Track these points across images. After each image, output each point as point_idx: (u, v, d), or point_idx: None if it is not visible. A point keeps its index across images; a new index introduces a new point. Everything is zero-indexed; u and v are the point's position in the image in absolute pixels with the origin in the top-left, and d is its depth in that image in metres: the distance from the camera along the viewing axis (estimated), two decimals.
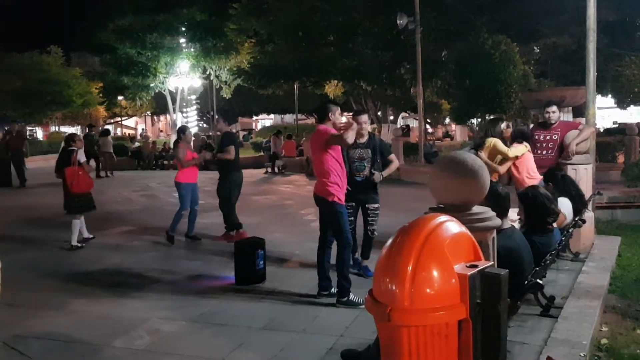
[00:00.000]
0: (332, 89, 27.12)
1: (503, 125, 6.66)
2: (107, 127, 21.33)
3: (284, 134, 24.29)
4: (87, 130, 20.11)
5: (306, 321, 4.64)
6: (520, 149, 6.40)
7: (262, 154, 27.04)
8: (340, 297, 5.00)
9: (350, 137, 4.91)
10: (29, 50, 30.96)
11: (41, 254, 7.47)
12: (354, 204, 5.84)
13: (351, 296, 4.99)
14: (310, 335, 4.36)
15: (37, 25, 35.41)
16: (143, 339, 4.35)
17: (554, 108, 6.90)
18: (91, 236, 8.21)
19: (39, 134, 48.38)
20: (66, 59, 34.04)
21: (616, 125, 27.09)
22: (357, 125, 5.21)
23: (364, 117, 5.99)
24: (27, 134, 44.29)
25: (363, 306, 4.82)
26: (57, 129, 46.73)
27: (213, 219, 8.57)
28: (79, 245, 7.73)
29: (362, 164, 5.88)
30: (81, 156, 8.45)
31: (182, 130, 8.60)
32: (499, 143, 6.37)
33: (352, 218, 5.83)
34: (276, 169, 19.70)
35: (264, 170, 19.82)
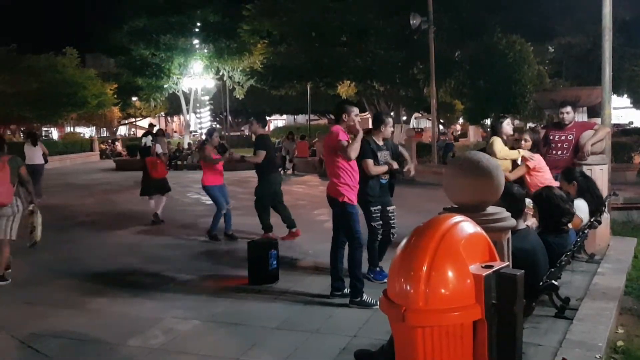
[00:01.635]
0: (345, 89, 27.09)
1: (505, 122, 6.56)
2: (157, 127, 21.22)
3: (297, 134, 24.37)
4: (145, 130, 20.40)
5: (320, 321, 4.64)
6: (512, 154, 6.26)
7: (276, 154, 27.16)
8: (354, 297, 4.99)
9: (352, 154, 4.92)
10: (44, 52, 31.27)
11: (58, 253, 7.55)
12: (380, 207, 5.82)
13: (364, 296, 4.98)
14: (324, 335, 4.37)
15: (52, 26, 35.76)
16: (158, 338, 4.38)
17: (569, 109, 6.84)
18: (162, 220, 9.54)
19: (54, 134, 48.91)
20: (81, 60, 34.37)
21: (628, 125, 26.75)
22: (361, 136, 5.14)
23: (391, 120, 5.99)
24: (43, 134, 44.86)
25: (377, 307, 4.82)
26: (72, 130, 47.22)
27: (244, 219, 8.65)
28: (154, 220, 9.37)
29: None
30: (159, 148, 10.57)
31: (210, 133, 8.76)
32: (495, 142, 6.32)
33: (381, 222, 5.81)
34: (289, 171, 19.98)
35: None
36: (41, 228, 6.64)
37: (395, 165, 5.83)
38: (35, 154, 13.37)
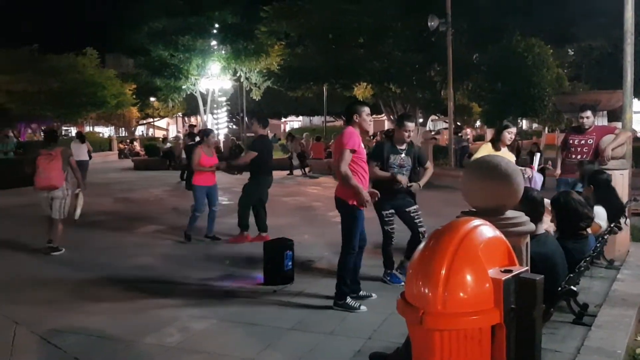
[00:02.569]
0: (361, 91, 27.05)
1: (506, 131, 6.22)
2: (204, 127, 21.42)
3: (313, 136, 24.39)
4: (187, 130, 20.51)
5: (334, 323, 4.64)
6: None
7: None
8: (338, 299, 4.99)
9: (344, 166, 4.84)
10: (65, 52, 31.67)
11: (76, 252, 7.63)
12: (393, 211, 5.79)
13: (348, 299, 4.98)
14: (339, 337, 4.37)
15: (73, 27, 36.18)
16: (174, 336, 4.42)
17: (588, 113, 6.77)
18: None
19: (74, 133, 49.42)
20: (101, 61, 34.76)
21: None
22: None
23: (411, 125, 5.81)
24: (62, 133, 45.41)
25: (359, 310, 4.90)
26: (91, 129, 47.73)
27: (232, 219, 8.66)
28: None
29: (401, 172, 5.77)
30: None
31: (207, 133, 8.70)
32: (482, 149, 6.25)
33: (394, 226, 5.80)
34: (303, 171, 20.06)
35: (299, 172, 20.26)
36: (80, 209, 8.13)
37: (401, 180, 5.67)
38: (81, 151, 14.87)
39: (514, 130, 6.35)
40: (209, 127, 30.64)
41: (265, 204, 8.17)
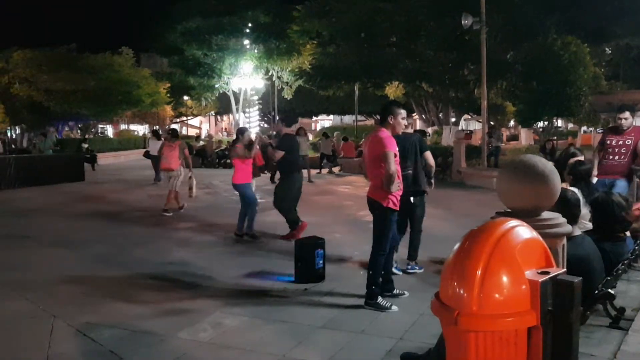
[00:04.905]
0: (393, 90, 26.92)
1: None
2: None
3: (341, 136, 24.37)
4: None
5: (365, 322, 4.63)
6: None
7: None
8: (369, 299, 4.99)
9: (392, 167, 4.82)
10: (102, 51, 32.35)
11: (112, 247, 7.80)
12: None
13: (379, 299, 4.97)
14: (370, 336, 4.36)
15: (109, 27, 37.00)
16: (207, 331, 4.47)
17: (627, 114, 6.61)
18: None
19: (110, 131, 50.45)
20: (136, 60, 35.44)
21: None
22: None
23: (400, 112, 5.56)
24: (99, 131, 46.40)
25: (390, 310, 4.89)
26: (126, 127, 48.61)
27: (274, 217, 8.69)
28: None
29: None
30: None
31: (242, 132, 8.79)
32: None
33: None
34: (328, 170, 20.12)
35: (326, 170, 20.31)
36: (195, 189, 11.10)
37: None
38: (157, 147, 15.69)
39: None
40: (241, 125, 30.98)
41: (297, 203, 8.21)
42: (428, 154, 6.27)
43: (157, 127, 40.16)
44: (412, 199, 6.00)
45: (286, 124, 8.36)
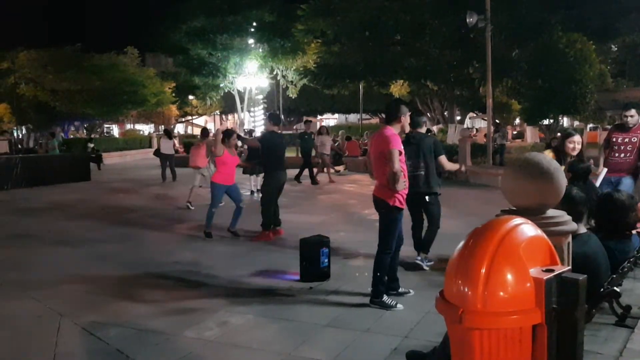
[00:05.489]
0: (398, 88, 26.88)
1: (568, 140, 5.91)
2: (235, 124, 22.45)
3: (344, 135, 24.31)
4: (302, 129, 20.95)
5: (370, 321, 4.64)
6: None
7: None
8: (374, 297, 5.00)
9: (397, 164, 4.82)
10: (107, 51, 32.43)
11: (117, 247, 7.84)
12: None
13: (384, 297, 4.98)
14: (375, 334, 4.36)
15: (114, 26, 37.21)
16: (212, 330, 4.49)
17: (633, 112, 6.59)
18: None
19: (115, 131, 50.58)
20: (141, 60, 35.52)
21: None
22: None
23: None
24: (105, 131, 46.53)
25: (395, 308, 4.89)
26: (132, 127, 48.74)
27: (297, 217, 8.72)
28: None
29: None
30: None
31: (228, 135, 8.55)
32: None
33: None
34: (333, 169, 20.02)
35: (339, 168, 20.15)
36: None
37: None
38: (167, 146, 17.27)
39: (576, 139, 5.88)
40: (246, 125, 31.03)
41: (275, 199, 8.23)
42: (443, 159, 6.26)
43: (171, 126, 40.36)
44: (427, 198, 6.09)
45: (273, 122, 8.40)
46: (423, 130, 6.34)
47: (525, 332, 1.88)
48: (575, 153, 5.89)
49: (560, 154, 5.92)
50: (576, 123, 36.29)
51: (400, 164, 4.88)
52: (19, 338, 4.45)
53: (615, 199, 4.47)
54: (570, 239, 2.78)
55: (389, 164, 4.84)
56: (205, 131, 13.58)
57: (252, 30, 29.61)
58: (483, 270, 1.85)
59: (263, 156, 8.11)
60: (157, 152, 18.20)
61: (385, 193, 4.97)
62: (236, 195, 8.42)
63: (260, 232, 8.05)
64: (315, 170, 16.22)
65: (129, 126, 49.15)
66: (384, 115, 5.36)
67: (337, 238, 7.65)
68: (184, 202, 11.44)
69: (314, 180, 15.53)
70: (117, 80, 31.41)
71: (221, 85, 30.89)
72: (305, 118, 27.07)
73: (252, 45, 30.08)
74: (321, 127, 17.93)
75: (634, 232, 4.61)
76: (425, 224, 6.33)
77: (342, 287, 5.60)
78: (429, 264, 6.21)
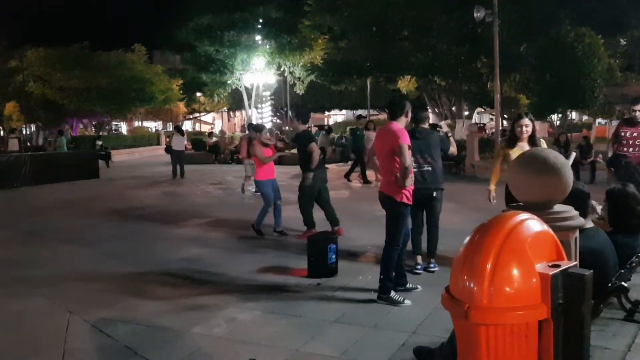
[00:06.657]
0: (405, 84, 26.80)
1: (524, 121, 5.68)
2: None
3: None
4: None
5: (378, 316, 4.64)
6: None
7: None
8: (382, 293, 4.99)
9: (408, 160, 4.81)
10: (114, 49, 32.51)
11: (126, 243, 7.88)
12: None
13: (392, 293, 4.97)
14: (383, 330, 4.37)
15: (122, 24, 37.25)
16: (221, 326, 4.51)
17: None
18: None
19: (124, 128, 50.74)
20: (149, 57, 35.56)
21: None
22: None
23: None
24: (113, 128, 46.68)
25: (403, 304, 4.89)
26: (140, 124, 48.89)
27: (287, 213, 8.69)
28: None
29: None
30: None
31: (259, 129, 8.77)
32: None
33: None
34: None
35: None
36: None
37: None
38: (179, 142, 17.42)
39: (525, 121, 5.69)
40: (254, 122, 31.06)
41: (328, 198, 8.17)
42: (451, 149, 6.41)
43: (179, 123, 40.48)
44: (434, 193, 5.99)
45: (302, 121, 8.46)
46: (426, 125, 6.34)
47: (531, 328, 1.88)
48: (525, 136, 5.67)
49: (561, 148, 5.88)
50: (585, 117, 36.07)
51: (411, 158, 4.88)
52: (28, 334, 4.49)
53: (625, 194, 4.44)
54: (577, 234, 2.77)
55: (400, 159, 4.83)
56: (249, 127, 13.38)
57: (259, 26, 29.60)
58: (489, 266, 1.85)
59: (301, 156, 8.00)
60: (169, 149, 18.25)
61: (392, 189, 4.96)
62: (275, 192, 8.40)
63: (305, 230, 7.97)
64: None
65: (137, 123, 49.28)
66: (388, 111, 5.32)
67: (345, 234, 7.66)
68: (193, 199, 11.48)
69: (365, 179, 14.49)
70: (125, 77, 31.49)
71: (228, 82, 30.91)
72: (357, 113, 26.51)
73: (259, 42, 30.09)
74: (368, 122, 16.75)
75: None
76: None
77: (350, 283, 5.61)
78: (435, 269, 6.08)
